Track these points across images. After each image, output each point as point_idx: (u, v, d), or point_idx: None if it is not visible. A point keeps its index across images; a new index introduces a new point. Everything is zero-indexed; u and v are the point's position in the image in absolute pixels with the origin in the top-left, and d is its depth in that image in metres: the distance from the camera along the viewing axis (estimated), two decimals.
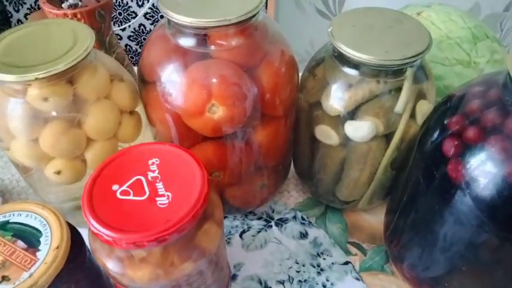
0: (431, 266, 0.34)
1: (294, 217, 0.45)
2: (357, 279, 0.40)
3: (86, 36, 0.33)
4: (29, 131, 0.33)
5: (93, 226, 0.25)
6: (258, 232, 0.44)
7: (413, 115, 0.36)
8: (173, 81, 0.33)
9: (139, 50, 1.09)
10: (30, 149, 0.33)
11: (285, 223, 0.45)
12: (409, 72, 0.33)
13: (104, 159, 0.34)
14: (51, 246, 0.28)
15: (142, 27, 1.04)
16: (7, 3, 1.03)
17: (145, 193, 0.27)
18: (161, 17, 1.02)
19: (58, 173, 0.34)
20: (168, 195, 0.26)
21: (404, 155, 0.37)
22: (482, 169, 0.26)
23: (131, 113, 0.37)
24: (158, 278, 0.27)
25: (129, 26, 1.03)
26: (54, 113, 0.33)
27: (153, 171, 0.28)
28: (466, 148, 0.27)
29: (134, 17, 1.02)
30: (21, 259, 0.27)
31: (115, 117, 0.35)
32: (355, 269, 0.41)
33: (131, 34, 1.05)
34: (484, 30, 0.44)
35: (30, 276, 0.26)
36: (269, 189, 0.44)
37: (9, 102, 0.33)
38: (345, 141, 0.36)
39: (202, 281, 0.31)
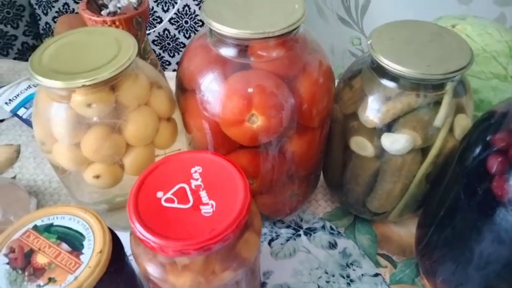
0: (465, 283, 0.34)
1: (323, 227, 0.45)
2: None
3: (129, 44, 0.34)
4: (71, 136, 0.33)
5: (140, 233, 0.25)
6: (287, 240, 0.44)
7: (451, 129, 0.35)
8: (213, 90, 0.33)
9: (162, 55, 1.11)
10: (72, 153, 0.34)
11: (314, 232, 0.45)
12: (449, 87, 0.33)
13: (141, 165, 0.35)
14: (95, 251, 0.28)
15: (166, 32, 1.06)
16: (36, 7, 1.05)
17: (189, 201, 0.27)
18: (186, 22, 1.03)
19: (97, 177, 0.35)
20: (212, 204, 0.27)
21: (440, 169, 0.37)
22: None
23: (168, 119, 0.38)
24: (199, 285, 0.27)
25: (154, 31, 1.05)
26: (96, 119, 0.33)
27: (196, 180, 0.28)
28: None
29: (159, 22, 1.03)
30: (66, 262, 0.28)
31: (154, 124, 0.36)
32: (385, 282, 0.41)
33: (156, 39, 1.07)
34: None
35: (75, 279, 0.27)
36: (299, 199, 0.44)
37: (53, 107, 0.33)
38: (381, 153, 0.36)
39: (238, 286, 0.31)
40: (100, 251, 0.28)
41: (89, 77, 0.31)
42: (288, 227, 0.46)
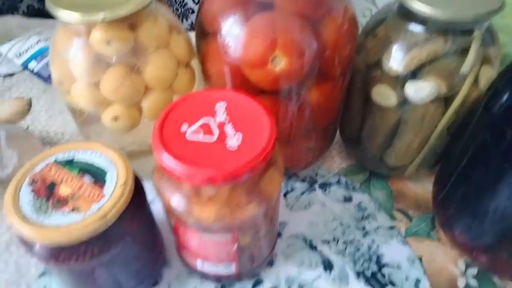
0: (486, 233, 0.34)
1: (338, 181, 0.45)
2: (403, 243, 0.40)
3: None
4: (90, 74, 0.33)
5: (166, 161, 0.25)
6: (302, 194, 0.44)
7: (475, 80, 0.35)
8: (235, 32, 0.32)
9: (186, 0, 1.06)
10: (91, 92, 0.33)
11: (329, 187, 0.45)
12: (478, 33, 0.33)
13: (159, 109, 0.35)
14: (118, 183, 0.28)
15: None
16: None
17: (214, 134, 0.27)
18: None
19: (115, 119, 0.35)
20: (238, 137, 0.26)
21: (462, 120, 0.36)
22: None
23: (187, 65, 0.37)
24: (224, 217, 0.27)
25: None
26: (115, 58, 0.33)
27: (221, 114, 0.28)
28: None
29: None
30: (89, 193, 0.28)
31: (173, 67, 0.35)
32: (401, 234, 0.41)
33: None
34: None
35: (99, 209, 0.27)
36: (315, 153, 0.44)
37: (72, 45, 0.33)
38: (403, 102, 0.36)
39: (258, 228, 0.31)
40: (124, 183, 0.28)
41: (109, 12, 0.30)
42: (303, 181, 0.45)
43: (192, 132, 0.27)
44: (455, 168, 0.36)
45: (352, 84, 0.40)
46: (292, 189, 0.45)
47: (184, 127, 0.27)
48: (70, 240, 0.26)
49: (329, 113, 0.40)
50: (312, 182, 0.45)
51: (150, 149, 0.27)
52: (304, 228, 0.41)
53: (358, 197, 0.44)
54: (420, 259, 0.39)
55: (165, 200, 0.28)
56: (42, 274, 0.37)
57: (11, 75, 0.56)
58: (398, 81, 0.35)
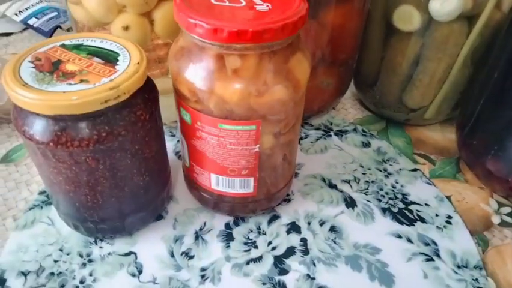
0: None
1: (354, 129, 0.43)
2: (429, 183, 0.37)
3: None
4: None
5: (190, 19, 0.23)
6: (317, 140, 0.41)
7: (498, 3, 0.34)
8: None
9: None
10: None
11: (345, 133, 0.42)
12: None
13: (170, 25, 0.33)
14: (132, 62, 0.25)
15: None
16: None
17: (241, 1, 0.25)
18: None
19: (126, 28, 0.32)
20: (268, 4, 0.24)
21: (486, 46, 0.35)
22: None
23: None
24: (249, 97, 0.24)
25: None
26: None
27: None
28: None
29: None
30: (99, 70, 0.25)
31: None
32: (425, 175, 0.38)
33: None
34: None
35: (111, 80, 0.24)
36: (330, 93, 0.42)
37: None
38: (427, 24, 0.35)
39: (283, 126, 0.28)
40: (138, 63, 0.25)
41: None
42: (317, 129, 0.43)
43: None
44: (480, 98, 0.34)
45: (372, 12, 0.38)
46: (306, 136, 0.42)
47: None
48: (77, 108, 0.23)
49: (348, 40, 0.38)
50: (327, 130, 0.43)
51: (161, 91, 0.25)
52: (322, 169, 0.38)
53: (377, 142, 0.41)
54: (449, 198, 0.36)
55: (184, 81, 0.25)
56: (32, 207, 0.33)
57: (9, 34, 0.54)
58: (422, 0, 0.34)
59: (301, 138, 0.41)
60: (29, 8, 0.53)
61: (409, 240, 0.32)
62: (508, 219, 0.34)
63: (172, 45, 0.27)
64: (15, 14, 0.53)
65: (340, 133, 0.42)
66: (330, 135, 0.42)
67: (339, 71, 0.40)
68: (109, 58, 0.26)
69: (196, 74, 0.25)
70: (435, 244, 0.32)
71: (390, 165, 0.39)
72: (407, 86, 0.39)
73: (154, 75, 0.36)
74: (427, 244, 0.32)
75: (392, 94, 0.40)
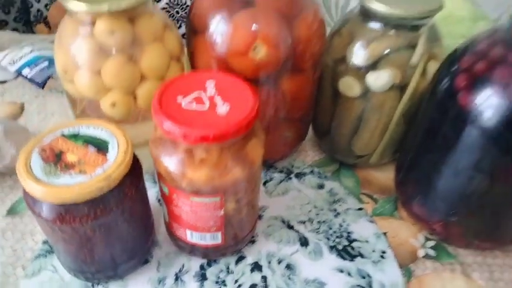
0: (440, 199, 0.39)
1: (312, 172, 0.50)
2: (370, 221, 0.44)
3: None
4: (93, 63, 0.37)
5: (165, 124, 0.29)
6: (280, 182, 0.48)
7: (424, 73, 0.41)
8: (221, 28, 0.38)
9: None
10: (93, 79, 0.37)
11: (304, 176, 0.49)
12: (424, 29, 0.39)
13: (152, 98, 0.39)
14: (120, 150, 0.32)
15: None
16: None
17: (206, 104, 0.31)
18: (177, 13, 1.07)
19: (113, 105, 0.39)
20: (226, 107, 0.31)
21: (415, 108, 0.42)
22: (489, 96, 0.31)
23: (178, 60, 0.42)
24: (214, 179, 0.31)
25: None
26: (116, 48, 0.37)
27: (211, 89, 0.32)
28: (475, 79, 0.32)
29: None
30: (94, 159, 0.31)
31: (166, 59, 0.40)
32: (368, 214, 0.45)
33: (165, 6, 1.08)
34: (482, 12, 0.51)
35: (104, 171, 0.30)
36: (291, 143, 0.49)
37: (77, 36, 0.37)
38: (365, 92, 0.42)
39: (241, 195, 0.34)
40: (125, 151, 0.32)
41: (113, 4, 0.35)
42: (280, 172, 0.50)
43: (186, 102, 0.31)
44: (410, 150, 0.41)
45: (322, 79, 0.45)
46: (271, 179, 0.49)
47: (179, 98, 0.31)
48: (77, 198, 0.29)
49: (302, 103, 0.45)
50: (288, 172, 0.50)
51: (143, 142, 0.31)
52: (282, 211, 0.45)
53: (330, 184, 0.49)
54: (385, 234, 0.43)
55: (161, 166, 0.32)
56: (38, 256, 0.40)
57: (4, 82, 0.59)
58: (361, 73, 0.41)
59: (266, 181, 0.48)
60: (22, 57, 0.59)
61: (349, 274, 0.39)
62: (431, 252, 0.42)
63: (152, 133, 0.34)
64: (9, 64, 0.58)
65: (299, 175, 0.49)
66: (291, 178, 0.49)
67: (297, 125, 0.47)
68: (101, 146, 0.32)
69: (171, 161, 0.31)
70: (370, 277, 0.39)
71: (340, 205, 0.46)
72: (354, 137, 0.46)
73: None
74: (363, 277, 0.39)
75: (341, 143, 0.47)
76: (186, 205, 0.34)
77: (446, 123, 0.35)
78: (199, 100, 0.31)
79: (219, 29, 0.38)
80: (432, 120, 0.37)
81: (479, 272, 0.40)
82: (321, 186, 0.48)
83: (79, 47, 0.37)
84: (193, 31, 0.41)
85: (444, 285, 0.39)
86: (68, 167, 0.30)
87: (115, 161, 0.31)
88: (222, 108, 0.31)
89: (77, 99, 0.40)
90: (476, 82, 0.32)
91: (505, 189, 0.35)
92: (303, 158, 0.52)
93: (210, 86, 0.33)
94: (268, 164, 0.50)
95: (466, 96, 0.33)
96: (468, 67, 0.33)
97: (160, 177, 0.34)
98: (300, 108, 0.45)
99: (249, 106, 0.31)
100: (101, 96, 0.39)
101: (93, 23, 0.36)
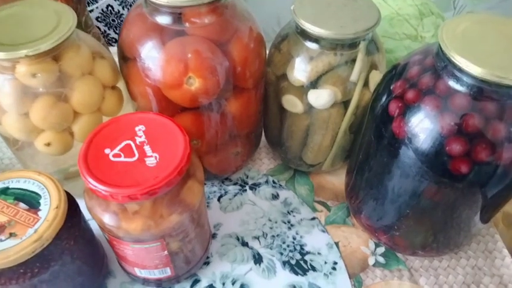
0: (383, 215, 0.40)
1: (266, 181, 0.50)
2: (323, 231, 0.45)
3: (68, 16, 0.36)
4: (19, 106, 0.35)
5: (91, 184, 0.28)
6: (234, 196, 0.49)
7: (366, 84, 0.41)
8: (152, 57, 0.36)
9: (108, 31, 1.10)
10: (21, 122, 0.36)
11: (258, 187, 0.49)
12: (362, 45, 0.38)
13: (90, 132, 0.38)
14: (51, 206, 0.31)
15: (110, 8, 1.05)
16: None
17: (134, 155, 0.30)
18: None
19: (48, 144, 0.37)
20: (155, 156, 0.30)
21: (360, 120, 0.42)
22: (420, 124, 0.31)
23: (113, 88, 0.40)
24: (150, 228, 0.31)
25: (97, 8, 1.03)
26: (42, 89, 0.35)
27: (140, 136, 0.32)
28: (407, 108, 0.32)
29: None
30: (24, 218, 0.30)
31: (99, 91, 0.38)
32: (321, 223, 0.46)
33: (99, 15, 1.05)
34: (430, 7, 0.50)
35: (35, 231, 0.30)
36: (243, 157, 0.48)
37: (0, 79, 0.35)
38: (309, 109, 0.41)
39: (185, 234, 0.35)
40: (57, 207, 0.31)
41: (32, 48, 0.33)
42: (235, 184, 0.50)
43: (114, 154, 0.30)
44: (356, 162, 0.41)
45: (267, 94, 0.45)
46: (226, 193, 0.49)
47: (107, 151, 0.30)
48: (9, 263, 0.29)
49: (249, 120, 0.44)
50: (243, 184, 0.50)
51: None
52: (236, 227, 0.46)
53: (284, 193, 0.49)
54: (337, 244, 0.44)
55: (97, 217, 0.31)
56: None
57: None
58: (302, 91, 0.40)
59: (220, 196, 0.48)
60: None
61: None
62: (380, 259, 0.43)
63: (85, 185, 0.33)
64: None
65: (254, 186, 0.50)
66: (246, 190, 0.49)
67: (245, 141, 0.46)
68: (32, 202, 0.31)
69: (105, 214, 0.31)
70: None
71: (294, 216, 0.47)
72: (303, 149, 0.46)
73: None
74: None
75: (293, 153, 0.47)
76: (128, 250, 0.33)
77: (382, 148, 0.35)
78: (127, 151, 0.31)
79: (150, 58, 0.36)
80: (369, 143, 0.37)
81: (425, 277, 0.42)
82: (275, 197, 0.49)
83: (2, 91, 0.35)
84: (124, 58, 0.39)
85: None
86: None
87: (46, 219, 0.30)
88: (151, 159, 0.30)
89: (10, 138, 0.39)
90: (408, 110, 0.32)
91: (438, 207, 0.35)
92: (258, 166, 0.52)
93: (139, 133, 0.32)
94: (222, 178, 0.50)
95: (398, 125, 0.33)
96: (400, 94, 0.33)
97: (98, 224, 0.33)
98: (246, 126, 0.44)
99: (179, 153, 0.30)
100: (33, 137, 0.37)
101: (14, 67, 0.34)
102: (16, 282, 0.30)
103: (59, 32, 0.34)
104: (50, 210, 0.31)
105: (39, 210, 0.31)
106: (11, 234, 0.30)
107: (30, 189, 0.32)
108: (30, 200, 0.32)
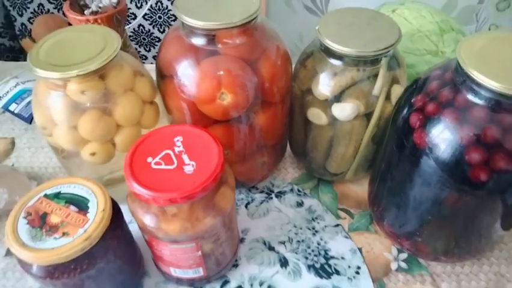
0: (405, 222, 0.42)
1: (291, 190, 0.53)
2: (346, 237, 0.47)
3: (113, 38, 0.40)
4: (69, 120, 0.39)
5: (135, 188, 0.32)
6: (261, 203, 0.51)
7: (388, 97, 0.43)
8: (188, 75, 0.39)
9: (139, 49, 1.15)
10: (70, 134, 0.40)
11: (284, 195, 0.52)
12: (384, 61, 0.40)
13: (130, 143, 0.41)
14: (98, 209, 0.34)
15: (141, 27, 1.10)
16: (11, 8, 1.08)
17: (173, 163, 0.33)
18: (159, 17, 1.08)
19: (93, 154, 0.41)
20: (193, 164, 0.33)
21: (382, 131, 0.44)
22: (440, 135, 0.33)
23: (151, 103, 0.44)
24: (186, 230, 0.34)
25: (129, 27, 1.09)
26: (89, 104, 0.39)
27: (178, 146, 0.35)
28: (427, 120, 0.34)
29: (133, 18, 1.08)
30: (75, 220, 0.34)
31: (139, 106, 0.42)
32: (344, 230, 0.48)
33: (131, 34, 1.11)
34: (450, 23, 0.52)
35: (85, 231, 0.33)
36: (269, 166, 0.51)
37: (51, 96, 0.39)
38: (333, 121, 0.43)
39: (217, 237, 0.38)
40: (103, 210, 0.34)
41: (82, 68, 0.37)
42: (261, 192, 0.52)
43: (155, 163, 0.33)
44: (379, 172, 0.43)
45: (293, 107, 0.47)
46: (252, 200, 0.52)
47: (149, 159, 0.34)
48: (62, 259, 0.32)
49: (275, 132, 0.47)
50: (269, 192, 0.52)
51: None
52: (263, 232, 0.48)
53: (308, 201, 0.51)
54: (361, 250, 0.46)
55: (138, 219, 0.35)
56: None
57: None
58: (327, 104, 0.43)
59: (248, 203, 0.51)
60: (7, 92, 0.61)
61: None
62: (403, 264, 0.45)
63: (128, 190, 0.36)
64: None
65: (279, 194, 0.52)
66: (272, 198, 0.52)
67: (271, 151, 0.49)
68: (81, 205, 0.35)
69: (146, 216, 0.34)
70: None
71: (318, 222, 0.49)
72: (327, 159, 0.48)
73: None
74: None
75: (317, 163, 0.50)
76: (165, 250, 0.36)
77: (404, 158, 0.37)
78: (167, 159, 0.34)
79: (185, 76, 0.40)
80: (391, 153, 0.39)
81: (447, 282, 0.43)
82: (300, 204, 0.51)
83: (54, 106, 0.39)
84: (162, 76, 0.42)
85: None
86: (52, 230, 0.33)
87: (95, 221, 0.34)
88: (189, 167, 0.33)
89: (59, 148, 0.43)
90: (428, 122, 0.34)
91: (459, 214, 0.37)
92: (283, 176, 0.54)
93: (178, 144, 0.35)
94: (249, 186, 0.53)
95: (420, 135, 0.35)
96: (420, 107, 0.35)
97: (139, 226, 0.36)
98: (273, 137, 0.47)
99: (214, 162, 0.33)
100: (80, 147, 0.41)
101: (65, 85, 0.38)
102: (68, 277, 0.33)
103: (105, 53, 0.38)
104: (98, 212, 0.34)
105: (88, 212, 0.34)
106: (64, 234, 0.33)
107: (80, 194, 0.36)
108: (80, 204, 0.35)
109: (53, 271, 0.33)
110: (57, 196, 0.36)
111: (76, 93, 0.38)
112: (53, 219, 0.34)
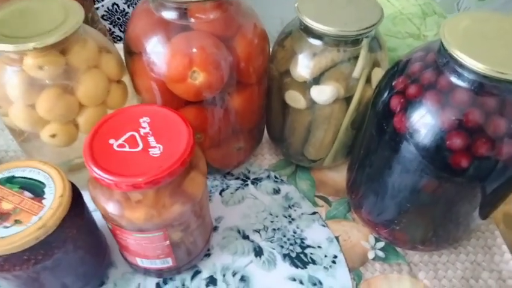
0: (383, 210, 0.40)
1: (268, 176, 0.51)
2: (323, 225, 0.46)
3: (76, 11, 0.37)
4: (26, 97, 0.36)
5: (96, 172, 0.29)
6: (236, 190, 0.49)
7: (368, 81, 0.41)
8: (158, 52, 0.37)
9: (113, 30, 1.11)
10: (27, 114, 0.36)
11: (260, 181, 0.50)
12: (365, 42, 0.39)
13: (95, 124, 0.38)
14: (56, 195, 0.32)
15: (115, 6, 1.06)
16: None
17: (138, 145, 0.31)
18: None
19: (53, 136, 0.38)
20: (159, 147, 0.31)
21: (362, 116, 0.43)
22: (421, 119, 0.32)
23: (118, 82, 0.41)
24: (152, 218, 0.31)
25: (102, 6, 1.04)
26: (48, 81, 0.36)
27: (144, 128, 0.32)
28: (408, 103, 0.33)
29: None
30: (29, 206, 0.31)
31: (104, 85, 0.39)
32: (321, 218, 0.46)
33: (105, 13, 1.06)
34: (433, 7, 0.50)
35: (39, 219, 0.30)
36: (245, 152, 0.49)
37: (6, 71, 0.36)
38: (311, 104, 0.42)
39: (187, 225, 0.35)
40: (61, 195, 0.32)
41: (39, 41, 0.33)
42: (237, 178, 0.50)
43: (118, 145, 0.31)
44: (357, 158, 0.42)
45: (270, 90, 0.45)
46: (227, 187, 0.49)
47: (111, 141, 0.31)
48: (13, 250, 0.29)
49: (251, 115, 0.45)
50: (245, 179, 0.50)
51: None
52: (238, 220, 0.46)
53: (285, 188, 0.49)
54: (338, 238, 0.45)
55: (100, 206, 0.32)
56: None
57: None
58: (305, 86, 0.41)
59: (222, 190, 0.49)
60: None
61: (301, 282, 0.41)
62: (380, 253, 0.44)
63: (89, 175, 0.33)
64: None
65: (256, 181, 0.50)
66: (247, 184, 0.50)
67: (248, 136, 0.47)
68: (37, 191, 0.32)
69: (108, 203, 0.31)
70: (321, 283, 0.41)
71: (294, 210, 0.47)
72: (305, 144, 0.46)
73: None
74: (315, 284, 0.41)
75: (294, 149, 0.48)
76: (131, 239, 0.34)
77: (383, 143, 0.36)
78: (132, 141, 0.31)
79: (155, 53, 0.37)
80: (370, 138, 0.38)
81: (424, 271, 0.42)
82: (277, 191, 0.49)
83: (9, 82, 0.35)
84: (130, 53, 0.39)
85: (391, 286, 0.41)
86: (3, 217, 0.30)
87: (51, 208, 0.31)
88: (155, 150, 0.31)
89: (17, 129, 0.39)
90: (409, 106, 0.32)
91: (438, 201, 0.36)
92: (259, 162, 0.52)
93: (144, 125, 0.32)
94: (224, 172, 0.50)
95: (400, 120, 0.33)
96: (402, 89, 0.33)
97: (102, 214, 0.34)
98: (249, 121, 0.45)
99: (182, 145, 0.31)
100: (39, 128, 0.38)
101: (21, 59, 0.34)
102: (20, 269, 0.31)
103: (66, 26, 0.35)
104: (55, 198, 0.31)
105: (44, 198, 0.32)
106: (16, 221, 0.30)
107: (35, 178, 0.33)
108: (35, 189, 0.32)
109: (3, 262, 0.30)
110: (10, 181, 0.33)
111: (33, 69, 0.35)
112: (5, 205, 0.31)
